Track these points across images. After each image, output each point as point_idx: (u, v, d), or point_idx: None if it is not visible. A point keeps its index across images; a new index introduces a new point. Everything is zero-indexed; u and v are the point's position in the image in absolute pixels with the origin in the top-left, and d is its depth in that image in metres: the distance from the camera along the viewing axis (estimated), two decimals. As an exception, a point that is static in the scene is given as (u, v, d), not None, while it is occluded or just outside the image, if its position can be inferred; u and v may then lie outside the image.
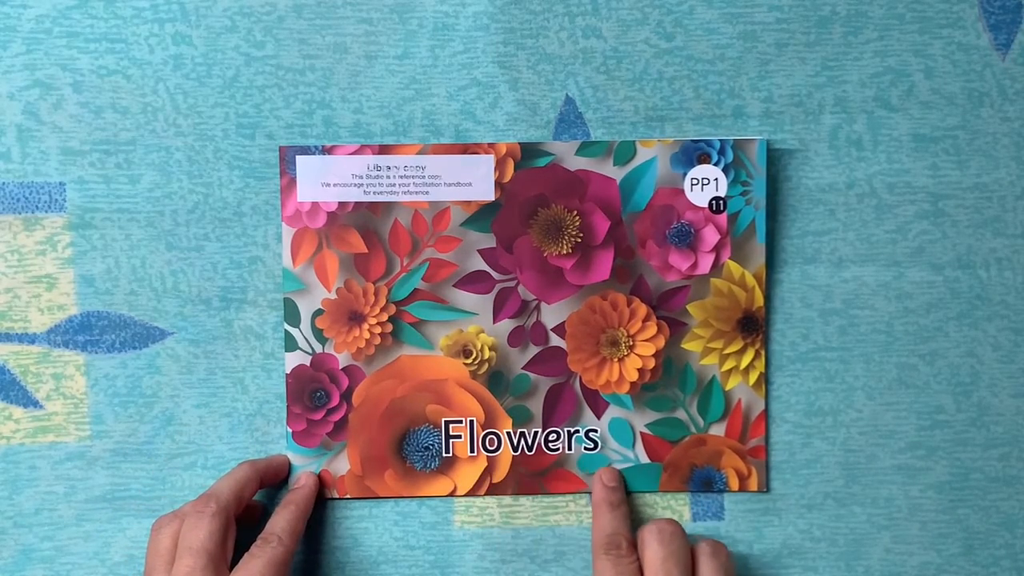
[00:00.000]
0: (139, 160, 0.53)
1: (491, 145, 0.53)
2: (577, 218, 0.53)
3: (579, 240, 0.54)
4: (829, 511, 0.55)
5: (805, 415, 0.55)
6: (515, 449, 0.54)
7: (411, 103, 0.53)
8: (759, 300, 0.54)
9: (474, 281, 0.54)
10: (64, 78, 0.53)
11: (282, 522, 0.51)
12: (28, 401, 0.54)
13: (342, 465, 0.54)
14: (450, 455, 0.54)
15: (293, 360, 0.54)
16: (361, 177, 0.53)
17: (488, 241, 0.54)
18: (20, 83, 0.53)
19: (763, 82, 0.54)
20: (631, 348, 0.54)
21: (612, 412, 0.54)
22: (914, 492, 0.55)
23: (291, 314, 0.54)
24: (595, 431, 0.54)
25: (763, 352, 0.54)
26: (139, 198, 0.53)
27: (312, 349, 0.54)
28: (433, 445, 0.54)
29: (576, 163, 0.53)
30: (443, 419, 0.54)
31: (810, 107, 0.54)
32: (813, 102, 0.54)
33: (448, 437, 0.54)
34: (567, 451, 0.54)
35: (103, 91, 0.53)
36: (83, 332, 0.53)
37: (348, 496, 0.54)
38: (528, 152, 0.53)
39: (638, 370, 0.54)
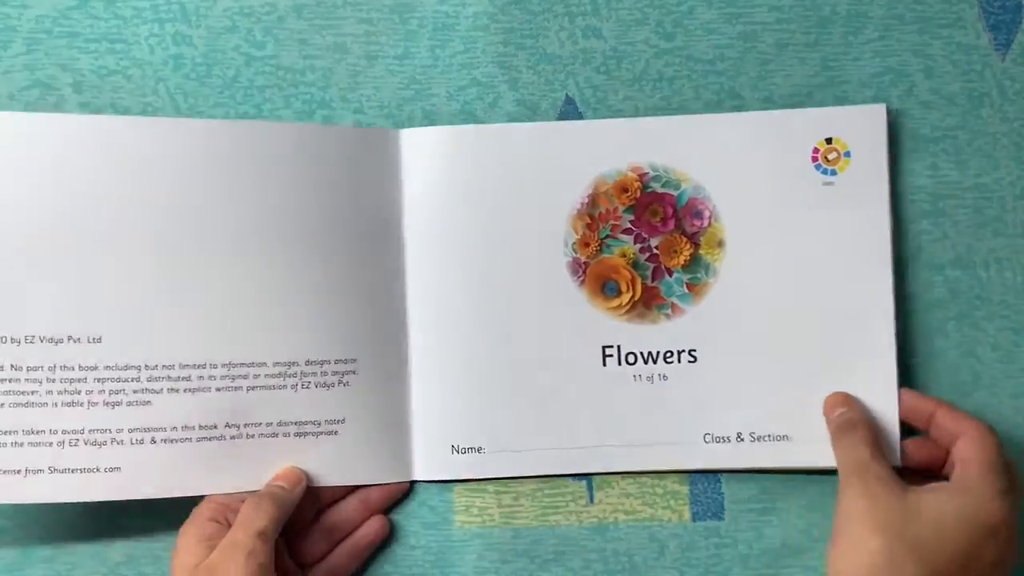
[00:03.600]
0: (139, 160, 0.53)
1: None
2: None
3: None
4: (829, 511, 0.54)
5: (805, 415, 0.54)
6: None
7: (411, 103, 0.53)
8: None
9: None
10: (64, 78, 0.53)
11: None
12: (28, 401, 0.53)
13: None
14: None
15: None
16: None
17: None
18: (20, 83, 0.53)
19: (763, 82, 0.54)
20: None
21: None
22: (914, 492, 0.55)
23: None
24: None
25: None
26: (139, 198, 0.53)
27: None
28: None
29: None
30: None
31: (810, 107, 0.54)
32: (813, 102, 0.54)
33: None
34: None
35: (103, 91, 0.53)
36: (83, 332, 0.53)
37: None
38: None
39: None
